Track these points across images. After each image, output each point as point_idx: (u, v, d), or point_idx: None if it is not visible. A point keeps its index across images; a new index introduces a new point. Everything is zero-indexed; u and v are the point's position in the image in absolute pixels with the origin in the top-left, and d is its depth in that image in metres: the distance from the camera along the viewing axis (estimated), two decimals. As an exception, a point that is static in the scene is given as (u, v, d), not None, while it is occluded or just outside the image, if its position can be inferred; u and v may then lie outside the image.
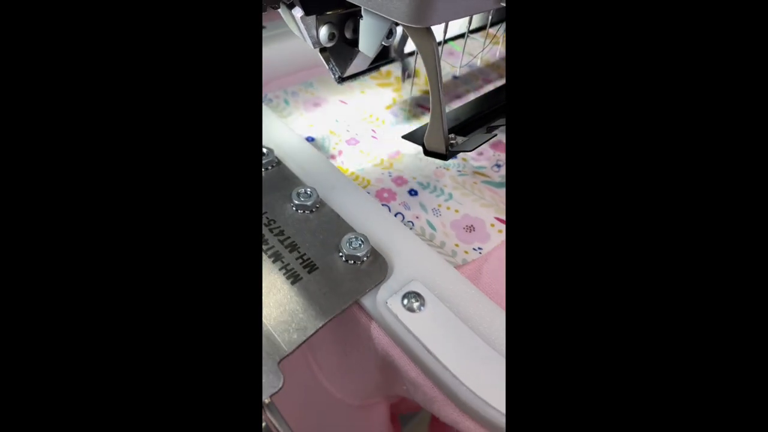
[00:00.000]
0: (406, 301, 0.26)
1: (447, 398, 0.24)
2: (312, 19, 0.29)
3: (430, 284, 0.28)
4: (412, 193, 0.40)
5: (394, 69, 0.55)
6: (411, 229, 0.37)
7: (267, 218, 0.31)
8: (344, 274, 0.28)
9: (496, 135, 0.35)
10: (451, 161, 0.43)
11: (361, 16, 0.28)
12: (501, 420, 0.23)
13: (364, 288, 0.27)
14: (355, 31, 0.31)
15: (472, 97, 0.51)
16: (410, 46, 0.38)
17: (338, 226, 0.31)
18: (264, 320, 0.25)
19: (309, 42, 0.30)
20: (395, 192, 0.40)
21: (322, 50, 0.32)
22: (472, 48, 0.55)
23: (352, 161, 0.43)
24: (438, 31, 0.38)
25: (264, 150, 0.35)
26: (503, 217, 0.38)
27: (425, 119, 0.47)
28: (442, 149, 0.31)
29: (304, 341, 0.25)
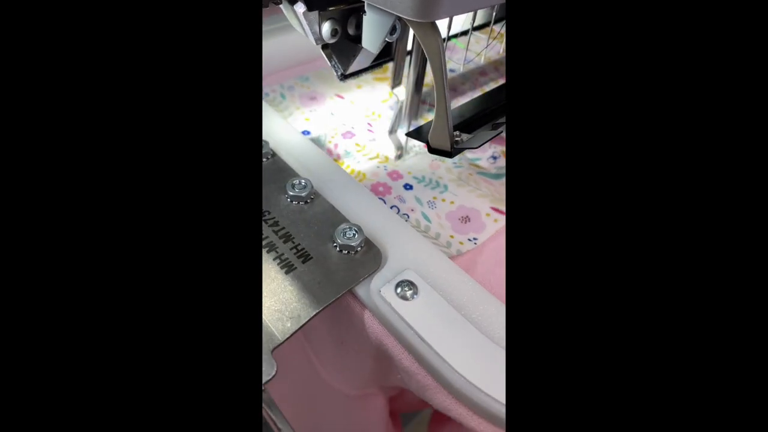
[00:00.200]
0: (399, 290, 0.26)
1: (440, 385, 0.25)
2: (315, 14, 0.29)
3: (423, 273, 0.28)
4: (407, 187, 0.40)
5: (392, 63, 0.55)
6: (406, 221, 0.37)
7: (262, 209, 0.31)
8: (338, 264, 0.28)
9: (501, 132, 0.35)
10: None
11: (365, 12, 0.28)
12: (493, 406, 0.23)
13: (358, 277, 0.27)
14: (358, 27, 0.31)
15: (476, 94, 0.51)
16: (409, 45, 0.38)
17: (333, 216, 0.31)
18: (258, 309, 0.25)
19: (311, 38, 0.30)
20: (390, 186, 0.40)
21: (324, 47, 0.31)
22: (476, 45, 0.54)
23: (348, 155, 0.43)
24: (442, 28, 0.38)
25: (259, 143, 0.35)
26: (499, 206, 0.38)
27: (429, 116, 0.47)
28: (446, 146, 0.31)
29: (297, 330, 0.25)
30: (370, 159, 0.43)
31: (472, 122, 0.38)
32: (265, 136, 0.37)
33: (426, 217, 0.37)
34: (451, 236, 0.36)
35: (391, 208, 0.38)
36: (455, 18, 0.46)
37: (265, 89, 0.50)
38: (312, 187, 0.32)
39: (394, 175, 0.41)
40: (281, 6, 0.30)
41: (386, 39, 0.29)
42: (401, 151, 0.43)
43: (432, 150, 0.32)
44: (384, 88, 0.52)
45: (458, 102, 0.49)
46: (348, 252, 0.29)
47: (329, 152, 0.43)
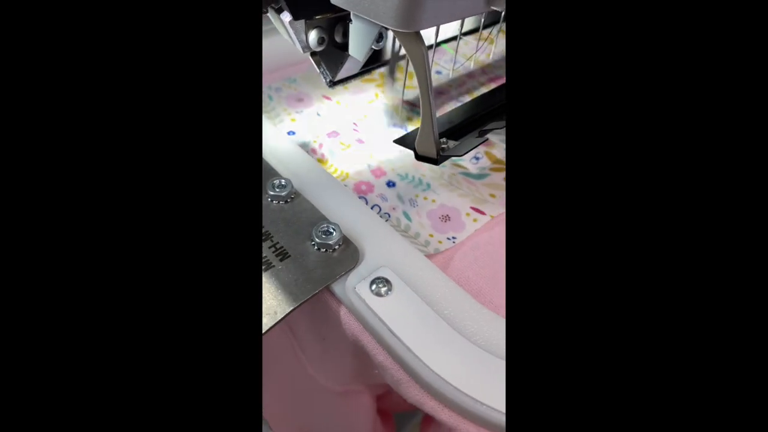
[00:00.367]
0: (374, 287, 0.27)
1: (411, 379, 0.25)
2: (301, 23, 0.29)
3: (399, 270, 0.28)
4: (390, 184, 0.41)
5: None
6: (387, 221, 0.37)
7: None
8: (316, 262, 0.29)
9: (487, 139, 0.35)
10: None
11: (351, 21, 0.29)
12: (462, 399, 0.23)
13: (335, 275, 0.28)
14: (345, 35, 0.31)
15: (465, 98, 0.52)
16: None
17: (312, 215, 0.32)
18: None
19: (298, 46, 0.30)
20: (373, 184, 0.41)
21: (313, 54, 0.32)
22: (465, 50, 0.55)
23: (332, 154, 0.44)
24: (431, 33, 0.38)
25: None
26: (478, 206, 0.39)
27: (415, 119, 0.48)
28: (433, 154, 0.31)
29: (273, 326, 0.25)
30: (354, 157, 0.44)
31: (460, 128, 0.38)
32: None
33: (407, 216, 0.38)
34: (431, 235, 0.36)
35: (372, 207, 0.39)
36: (443, 25, 0.46)
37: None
38: (292, 186, 0.33)
39: (378, 172, 0.42)
40: (268, 14, 0.30)
41: (373, 47, 0.30)
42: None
43: (419, 157, 0.32)
44: (371, 89, 0.52)
45: (448, 106, 0.50)
46: (326, 250, 0.29)
47: (314, 152, 0.44)
